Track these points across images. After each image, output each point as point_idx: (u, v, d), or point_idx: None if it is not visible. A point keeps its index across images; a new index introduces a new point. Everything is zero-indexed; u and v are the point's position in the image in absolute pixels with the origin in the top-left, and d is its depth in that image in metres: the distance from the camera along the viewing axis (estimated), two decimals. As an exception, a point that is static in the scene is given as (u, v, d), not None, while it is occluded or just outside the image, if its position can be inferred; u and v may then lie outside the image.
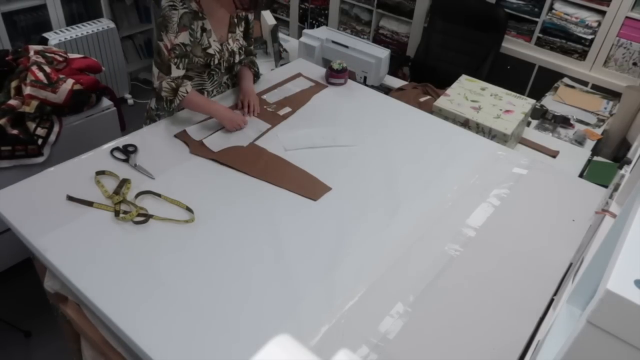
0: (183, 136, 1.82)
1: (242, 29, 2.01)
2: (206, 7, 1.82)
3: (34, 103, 2.23)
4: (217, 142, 1.81)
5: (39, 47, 2.45)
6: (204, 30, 1.83)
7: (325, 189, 1.66)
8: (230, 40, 1.94)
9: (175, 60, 1.77)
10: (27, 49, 2.41)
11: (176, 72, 1.78)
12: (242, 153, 1.78)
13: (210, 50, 1.87)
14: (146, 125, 1.98)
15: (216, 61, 1.91)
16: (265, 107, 2.04)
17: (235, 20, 1.96)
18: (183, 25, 1.74)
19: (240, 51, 2.01)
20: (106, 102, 2.55)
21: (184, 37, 1.76)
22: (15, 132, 2.18)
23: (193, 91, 1.83)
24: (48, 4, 3.23)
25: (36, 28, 3.28)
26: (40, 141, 2.28)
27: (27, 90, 2.22)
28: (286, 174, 1.71)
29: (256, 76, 2.15)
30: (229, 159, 1.74)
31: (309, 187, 1.66)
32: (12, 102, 2.22)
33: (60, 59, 2.41)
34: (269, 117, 1.98)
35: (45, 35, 3.15)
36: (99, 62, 2.64)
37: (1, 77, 2.34)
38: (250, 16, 2.02)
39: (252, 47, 2.12)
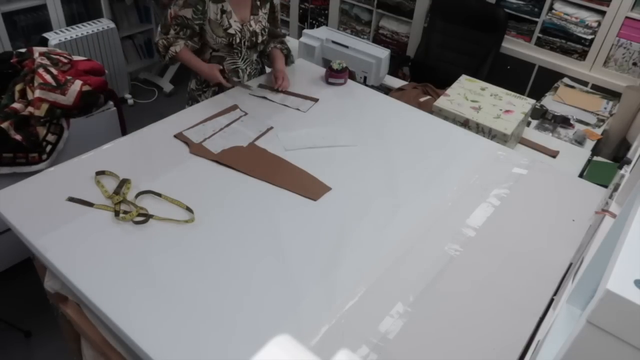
0: (182, 137, 1.82)
1: (265, 11, 2.14)
2: None
3: (45, 106, 2.22)
4: (216, 143, 1.81)
5: (44, 49, 2.44)
6: (223, 12, 2.00)
7: (325, 189, 1.66)
8: (252, 22, 2.09)
9: (176, 27, 2.00)
10: (32, 51, 2.40)
11: (172, 34, 2.01)
12: (242, 153, 1.78)
13: (231, 31, 2.03)
14: (189, 105, 2.20)
15: (237, 40, 2.07)
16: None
17: (258, 2, 2.10)
18: (188, 3, 1.96)
19: (263, 32, 2.14)
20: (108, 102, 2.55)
21: (186, 12, 1.97)
22: (18, 137, 2.17)
23: (184, 50, 2.04)
24: (48, 4, 3.22)
25: (36, 28, 3.28)
26: (49, 148, 2.27)
27: (37, 93, 2.21)
28: (286, 174, 1.71)
29: (288, 57, 2.30)
30: (229, 159, 1.74)
31: (309, 187, 1.66)
32: (16, 105, 2.21)
33: (65, 60, 2.41)
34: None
35: (45, 35, 3.15)
36: (102, 65, 2.63)
37: (5, 79, 2.34)
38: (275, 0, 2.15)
39: (278, 29, 2.27)
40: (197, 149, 1.77)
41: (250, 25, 2.08)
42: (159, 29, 2.05)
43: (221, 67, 2.08)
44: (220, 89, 2.15)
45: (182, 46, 2.02)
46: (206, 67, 2.06)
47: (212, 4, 1.97)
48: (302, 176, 1.71)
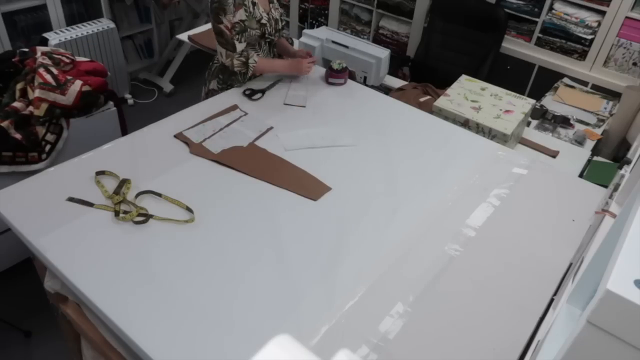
0: (182, 137, 1.82)
1: None
2: None
3: (44, 106, 2.22)
4: (216, 143, 1.81)
5: (46, 49, 2.44)
6: (254, 4, 2.04)
7: (325, 189, 1.66)
8: (272, 10, 2.15)
9: (237, 36, 2.01)
10: (35, 50, 2.40)
11: (240, 47, 2.04)
12: (242, 153, 1.78)
13: (263, 21, 2.07)
14: None
15: (269, 29, 2.12)
16: None
17: None
18: (238, 4, 1.98)
19: (282, 18, 2.22)
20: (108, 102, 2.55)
21: (240, 14, 1.99)
22: (18, 136, 2.17)
23: (260, 58, 2.10)
24: (48, 4, 3.22)
25: (36, 28, 3.28)
26: (48, 147, 2.27)
27: (36, 93, 2.20)
28: (286, 174, 1.71)
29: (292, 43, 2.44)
30: (229, 159, 1.74)
31: (309, 187, 1.66)
32: (16, 104, 2.21)
33: (67, 60, 2.41)
34: None
35: (45, 35, 3.15)
36: (105, 66, 2.62)
37: (7, 78, 2.34)
38: None
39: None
40: (197, 149, 1.77)
41: (272, 13, 2.14)
42: (223, 51, 2.04)
43: (303, 56, 2.19)
44: None
45: (256, 55, 2.07)
46: (291, 62, 2.16)
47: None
48: (302, 176, 1.71)
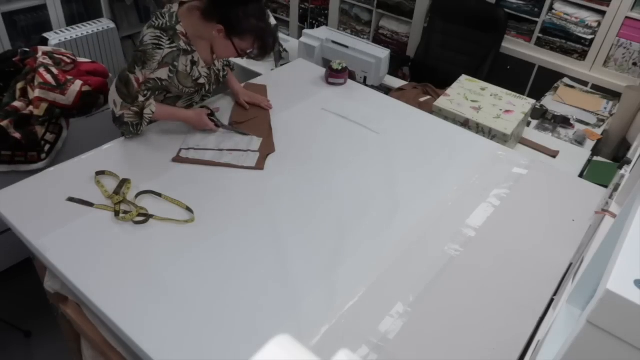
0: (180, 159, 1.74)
1: None
2: (194, 42, 1.78)
3: (44, 105, 2.22)
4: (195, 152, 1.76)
5: (48, 49, 2.44)
6: (193, 63, 1.81)
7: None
8: (215, 62, 1.93)
9: (146, 92, 1.73)
10: (36, 50, 2.41)
11: (141, 99, 1.73)
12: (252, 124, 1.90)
13: (201, 80, 1.86)
14: None
15: (207, 87, 1.94)
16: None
17: None
18: (165, 62, 1.72)
19: (224, 67, 2.01)
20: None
21: (162, 73, 1.74)
22: (17, 135, 2.17)
23: (158, 107, 1.78)
24: (48, 4, 3.22)
25: (36, 28, 3.28)
26: (47, 147, 2.27)
27: (36, 93, 2.20)
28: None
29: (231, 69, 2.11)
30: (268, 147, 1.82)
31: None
32: (17, 104, 2.21)
33: (68, 60, 2.41)
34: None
35: (45, 35, 3.14)
36: (107, 68, 2.62)
37: (7, 77, 2.34)
38: None
39: None
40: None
41: (215, 65, 1.93)
42: (119, 102, 1.71)
43: (209, 111, 1.89)
44: None
45: (154, 104, 1.76)
46: (193, 115, 1.84)
47: (183, 57, 1.76)
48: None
